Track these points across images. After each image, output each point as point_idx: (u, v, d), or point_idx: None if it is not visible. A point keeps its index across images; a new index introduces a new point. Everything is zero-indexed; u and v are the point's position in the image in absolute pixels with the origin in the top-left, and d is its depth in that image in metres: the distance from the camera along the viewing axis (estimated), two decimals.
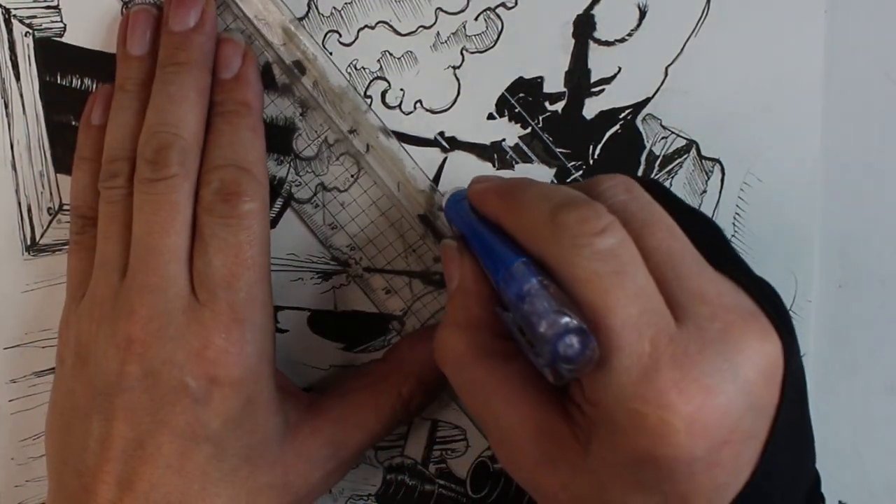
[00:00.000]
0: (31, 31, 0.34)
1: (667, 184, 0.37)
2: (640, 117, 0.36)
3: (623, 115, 0.36)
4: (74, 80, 0.35)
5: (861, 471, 0.40)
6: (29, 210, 0.36)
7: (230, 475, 0.31)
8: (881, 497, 0.40)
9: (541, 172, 0.36)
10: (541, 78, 0.36)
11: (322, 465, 0.33)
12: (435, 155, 0.36)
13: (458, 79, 0.35)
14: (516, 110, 0.36)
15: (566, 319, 0.24)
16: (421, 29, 0.35)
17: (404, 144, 0.36)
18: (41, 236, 0.36)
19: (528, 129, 0.36)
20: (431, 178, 0.36)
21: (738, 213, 0.37)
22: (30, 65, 0.35)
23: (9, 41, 0.34)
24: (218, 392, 0.30)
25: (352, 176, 0.35)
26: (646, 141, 0.36)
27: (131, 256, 0.31)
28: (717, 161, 0.37)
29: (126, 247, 0.32)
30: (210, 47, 0.33)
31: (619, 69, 0.36)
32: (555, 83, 0.36)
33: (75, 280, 0.33)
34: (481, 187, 0.30)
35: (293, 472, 0.33)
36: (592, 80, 0.36)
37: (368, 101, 0.35)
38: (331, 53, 0.35)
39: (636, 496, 0.26)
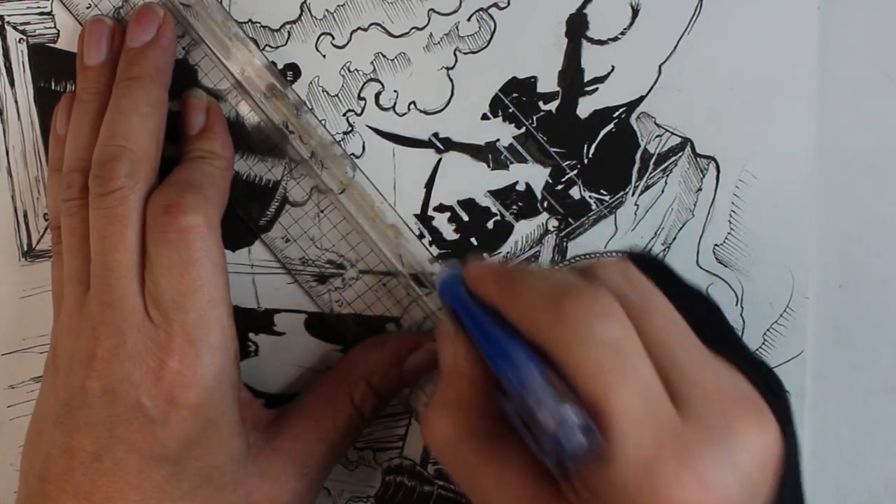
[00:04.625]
0: (24, 37, 0.35)
1: (662, 182, 0.37)
2: (634, 116, 0.36)
3: (617, 113, 0.36)
4: (69, 86, 0.35)
5: (861, 471, 0.40)
6: (25, 216, 0.36)
7: (189, 495, 0.31)
8: (881, 497, 0.40)
9: (535, 172, 0.36)
10: (534, 78, 0.36)
11: (288, 483, 0.33)
12: (429, 156, 0.36)
13: (451, 80, 0.35)
14: (510, 110, 0.36)
15: (571, 414, 0.24)
16: (414, 30, 0.35)
17: (398, 146, 0.36)
18: (37, 242, 0.36)
19: (523, 129, 0.36)
20: (426, 180, 0.36)
21: (733, 211, 0.37)
22: (24, 71, 0.35)
23: (3, 48, 0.35)
24: (175, 414, 0.30)
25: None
26: (640, 139, 0.36)
27: (91, 271, 0.31)
28: (713, 159, 0.36)
29: (87, 260, 0.32)
30: (165, 62, 0.33)
31: (613, 68, 0.36)
32: (548, 83, 0.36)
33: (57, 291, 0.34)
34: (478, 272, 0.29)
35: (257, 493, 0.32)
36: (586, 80, 0.36)
37: (362, 103, 0.35)
38: (324, 56, 0.35)
39: None
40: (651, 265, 0.29)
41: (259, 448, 0.33)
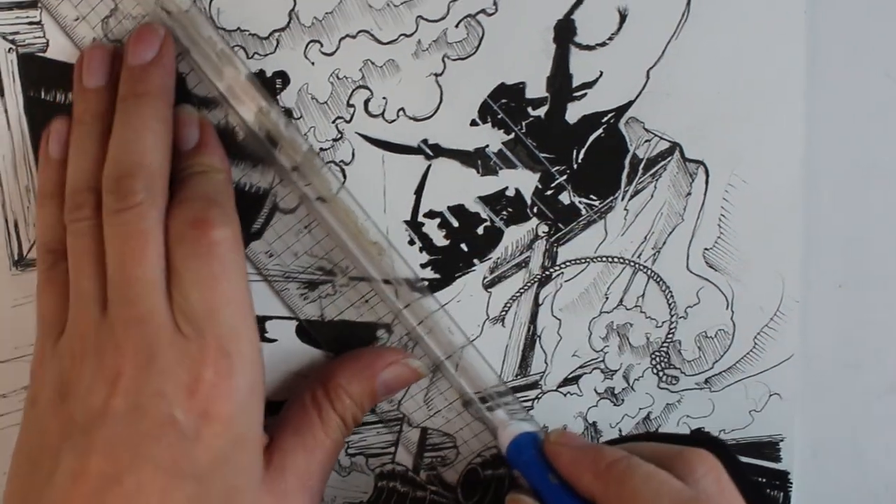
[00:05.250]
0: (14, 46, 0.35)
1: (651, 187, 0.37)
2: (622, 121, 0.36)
3: (606, 118, 0.36)
4: (59, 96, 0.35)
5: (861, 471, 0.40)
6: (16, 225, 0.36)
7: None
8: (881, 497, 0.40)
9: (525, 178, 0.36)
10: (523, 83, 0.36)
11: (296, 500, 0.33)
12: (419, 162, 0.36)
13: (440, 86, 0.36)
14: (499, 116, 0.36)
15: None
16: (402, 37, 0.35)
17: (387, 153, 0.36)
18: (28, 251, 0.36)
19: (512, 135, 0.36)
20: (415, 186, 0.36)
21: (723, 215, 0.37)
22: (14, 81, 0.35)
23: None
24: (208, 428, 0.30)
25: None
26: (629, 144, 0.36)
27: (109, 289, 0.31)
28: (701, 163, 0.37)
29: (102, 279, 0.31)
30: (169, 81, 0.33)
31: (601, 73, 0.36)
32: (537, 88, 0.36)
33: (49, 317, 0.33)
34: (570, 454, 0.31)
35: None
36: (574, 85, 0.36)
37: (351, 110, 0.35)
38: (313, 63, 0.35)
39: None
40: (729, 461, 0.31)
41: (265, 468, 0.33)
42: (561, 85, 0.36)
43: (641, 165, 0.37)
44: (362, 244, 0.35)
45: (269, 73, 0.35)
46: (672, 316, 0.38)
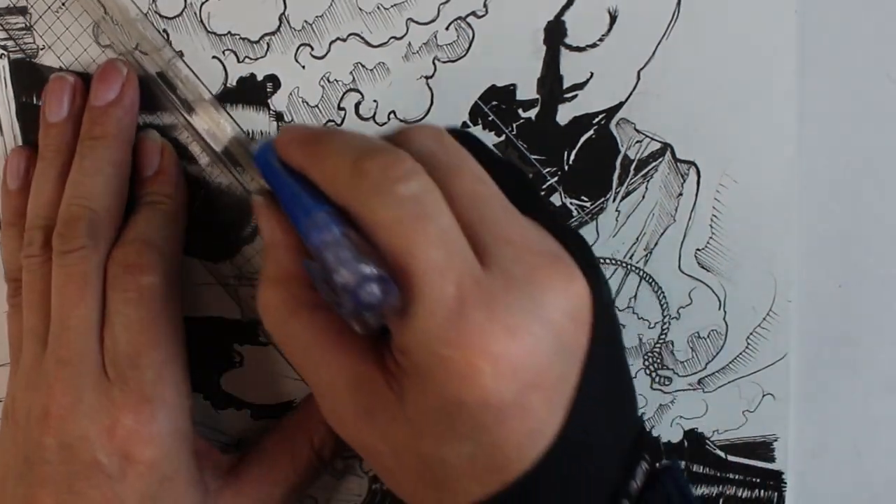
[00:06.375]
0: (5, 52, 0.35)
1: (643, 188, 0.37)
2: (613, 122, 0.36)
3: (597, 120, 0.36)
4: None
5: (861, 471, 0.40)
6: None
7: None
8: (881, 497, 0.40)
9: None
10: (513, 85, 0.36)
11: None
12: None
13: (430, 88, 0.36)
14: (490, 118, 0.36)
15: (364, 267, 0.24)
16: (392, 40, 0.35)
17: None
18: None
19: (503, 137, 0.36)
20: None
21: (714, 216, 0.37)
22: (6, 87, 0.35)
23: None
24: (132, 470, 0.31)
25: None
26: (620, 145, 0.36)
27: (50, 328, 0.32)
28: (693, 164, 0.37)
29: (46, 316, 0.32)
30: (128, 121, 0.34)
31: (592, 74, 0.36)
32: (527, 90, 0.36)
33: (15, 342, 0.34)
34: (287, 137, 0.29)
35: None
36: (565, 86, 0.36)
37: (342, 112, 0.36)
38: (304, 67, 0.35)
39: (449, 445, 0.26)
40: (465, 138, 0.29)
41: (219, 493, 0.33)
42: (552, 86, 0.36)
43: (633, 166, 0.37)
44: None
45: (259, 77, 0.35)
46: (664, 317, 0.38)
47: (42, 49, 0.35)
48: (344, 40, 0.35)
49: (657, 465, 0.29)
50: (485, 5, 0.35)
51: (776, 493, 0.40)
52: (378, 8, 0.35)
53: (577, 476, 0.27)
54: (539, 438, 0.26)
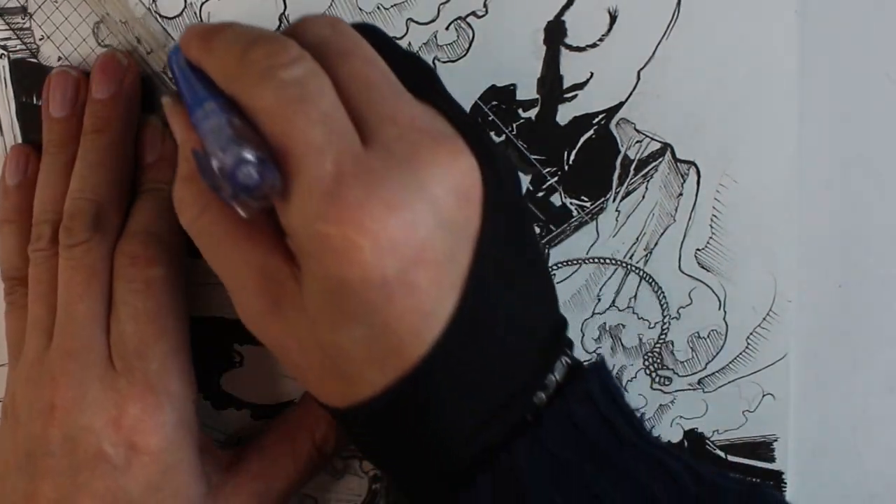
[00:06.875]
0: (5, 52, 0.35)
1: (643, 188, 0.37)
2: (613, 122, 0.36)
3: (597, 120, 0.36)
4: None
5: (861, 471, 0.40)
6: None
7: None
8: (881, 497, 0.40)
9: None
10: (513, 85, 0.36)
11: None
12: None
13: None
14: (490, 118, 0.36)
15: (242, 150, 0.24)
16: None
17: None
18: None
19: (503, 137, 0.36)
20: None
21: (714, 215, 0.37)
22: (6, 86, 0.35)
23: None
24: (137, 459, 0.31)
25: None
26: (620, 145, 0.36)
27: (56, 320, 0.32)
28: (693, 163, 0.37)
29: (53, 309, 0.32)
30: (130, 114, 0.34)
31: (592, 74, 0.36)
32: (527, 90, 0.36)
33: (13, 339, 0.34)
34: (188, 34, 0.29)
35: None
36: (565, 86, 0.36)
37: None
38: None
39: (343, 330, 0.25)
40: (368, 30, 0.29)
41: (219, 488, 0.33)
42: (552, 86, 0.36)
43: (633, 166, 0.37)
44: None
45: None
46: (664, 317, 0.38)
47: (41, 39, 0.35)
48: None
49: (584, 363, 0.29)
50: (485, 5, 0.35)
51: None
52: (378, 8, 0.35)
53: (479, 361, 0.27)
54: (433, 321, 0.25)
